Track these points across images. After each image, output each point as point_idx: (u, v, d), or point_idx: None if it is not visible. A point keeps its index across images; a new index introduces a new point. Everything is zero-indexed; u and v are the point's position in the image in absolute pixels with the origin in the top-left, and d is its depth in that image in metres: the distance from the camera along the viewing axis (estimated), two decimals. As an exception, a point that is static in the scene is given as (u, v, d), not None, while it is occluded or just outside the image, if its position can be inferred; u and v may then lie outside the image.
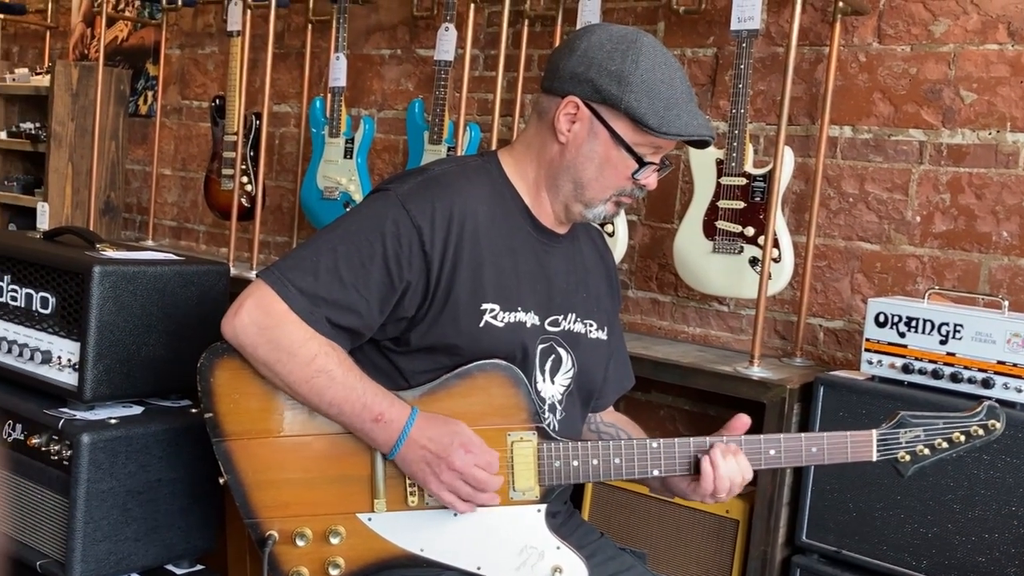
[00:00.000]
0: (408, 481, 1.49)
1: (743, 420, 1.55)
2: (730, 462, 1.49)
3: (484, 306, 1.50)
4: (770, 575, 2.16)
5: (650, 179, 1.55)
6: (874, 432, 1.54)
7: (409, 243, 1.46)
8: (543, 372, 1.57)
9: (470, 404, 1.50)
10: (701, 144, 1.58)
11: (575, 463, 1.50)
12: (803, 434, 1.55)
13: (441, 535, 1.51)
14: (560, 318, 1.60)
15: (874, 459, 1.55)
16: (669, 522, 2.32)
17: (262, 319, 1.43)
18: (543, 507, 1.51)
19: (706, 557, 2.27)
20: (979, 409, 1.54)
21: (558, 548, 1.51)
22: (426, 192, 1.50)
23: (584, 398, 1.66)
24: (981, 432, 1.53)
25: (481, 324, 1.50)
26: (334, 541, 1.49)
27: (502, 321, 1.52)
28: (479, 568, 1.50)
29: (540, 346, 1.56)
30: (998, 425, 1.53)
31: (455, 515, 1.49)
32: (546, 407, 1.56)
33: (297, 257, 1.47)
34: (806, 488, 2.13)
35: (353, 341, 1.51)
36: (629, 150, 1.50)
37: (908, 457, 1.54)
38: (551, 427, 1.54)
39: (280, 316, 1.43)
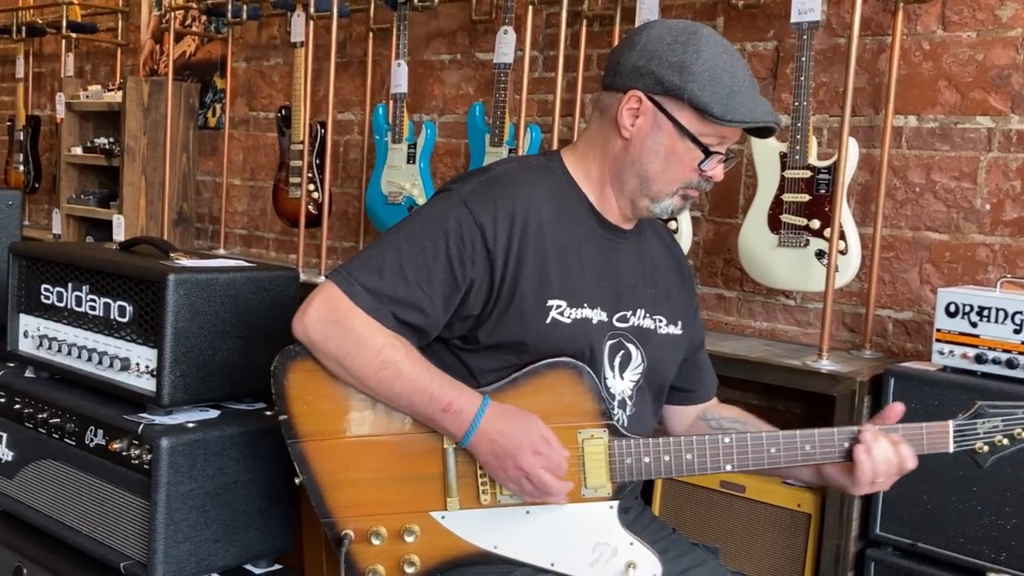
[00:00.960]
0: (480, 480, 1.51)
1: (896, 409, 1.55)
2: (881, 446, 1.49)
3: (550, 303, 1.52)
4: (844, 569, 2.16)
5: (716, 170, 1.55)
6: (951, 423, 1.53)
7: (472, 241, 1.49)
8: (612, 368, 1.58)
9: (539, 402, 1.51)
10: (765, 132, 1.58)
11: (647, 459, 1.51)
12: (877, 427, 1.54)
13: (514, 532, 1.52)
14: (628, 314, 1.61)
15: (951, 451, 1.53)
16: (740, 517, 2.33)
17: (330, 314, 1.47)
18: (615, 504, 1.53)
19: (778, 551, 2.28)
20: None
21: (631, 544, 1.52)
22: (488, 191, 1.53)
23: (655, 393, 1.67)
24: None
25: (548, 320, 1.51)
26: (409, 539, 1.51)
27: (569, 317, 1.53)
28: (552, 564, 1.51)
29: (608, 342, 1.57)
30: None
31: (527, 512, 1.51)
32: (615, 403, 1.57)
33: (363, 258, 1.51)
34: (879, 480, 2.14)
35: (419, 339, 1.53)
36: (695, 140, 1.50)
37: (986, 448, 1.52)
38: (620, 423, 1.55)
39: (347, 311, 1.46)
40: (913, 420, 2.06)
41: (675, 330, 1.67)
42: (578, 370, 1.52)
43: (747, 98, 1.49)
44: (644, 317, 1.63)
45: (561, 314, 1.52)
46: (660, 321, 1.65)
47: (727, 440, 1.52)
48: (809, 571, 2.22)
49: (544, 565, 1.51)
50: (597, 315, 1.56)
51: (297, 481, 1.55)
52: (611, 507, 1.53)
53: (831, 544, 2.17)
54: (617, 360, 1.59)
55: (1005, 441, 1.52)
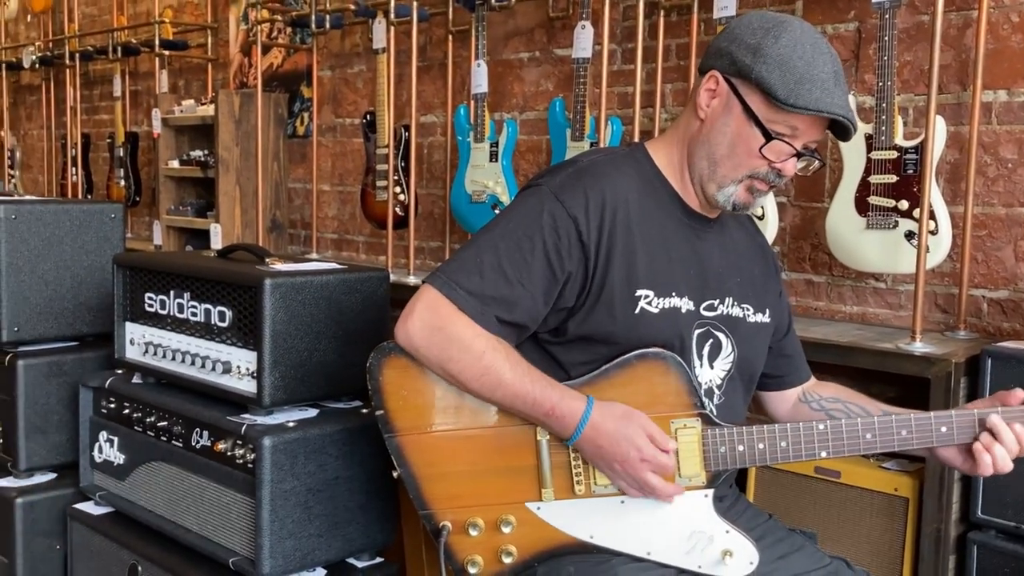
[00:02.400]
0: (574, 470, 1.52)
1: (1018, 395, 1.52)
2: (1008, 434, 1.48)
3: (639, 292, 1.52)
4: (945, 552, 2.13)
5: (787, 164, 1.52)
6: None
7: (568, 234, 1.50)
8: (701, 357, 1.59)
9: (632, 393, 1.52)
10: (841, 131, 1.53)
11: (740, 448, 1.52)
12: (987, 409, 1.52)
13: (610, 522, 1.53)
14: (716, 302, 1.61)
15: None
16: (836, 502, 2.31)
17: (433, 320, 1.48)
18: (710, 492, 1.53)
19: (876, 536, 2.25)
20: None
21: (727, 532, 1.52)
22: (578, 183, 1.54)
23: (746, 382, 1.67)
24: None
25: (636, 311, 1.52)
26: (505, 530, 1.53)
27: (657, 307, 1.53)
28: (648, 554, 1.52)
29: (697, 331, 1.58)
30: None
31: (622, 502, 1.52)
32: (702, 391, 1.57)
33: (461, 259, 1.52)
34: (979, 462, 2.10)
35: (520, 336, 1.55)
36: (759, 123, 1.49)
37: None
38: (709, 412, 1.55)
39: (450, 316, 1.48)
40: (1012, 401, 2.04)
41: (763, 318, 1.67)
42: (668, 360, 1.53)
43: (818, 88, 1.46)
44: (732, 306, 1.63)
45: (649, 304, 1.53)
46: (748, 309, 1.65)
47: (821, 427, 1.51)
48: (909, 556, 2.19)
49: (640, 555, 1.52)
50: (685, 304, 1.57)
51: (395, 475, 1.58)
52: (706, 496, 1.53)
53: (931, 528, 2.14)
54: (706, 349, 1.59)
55: None
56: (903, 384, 2.42)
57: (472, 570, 1.54)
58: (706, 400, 1.57)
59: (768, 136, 1.49)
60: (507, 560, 1.53)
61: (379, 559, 2.06)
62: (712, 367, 1.61)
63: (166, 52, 4.77)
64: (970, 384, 2.12)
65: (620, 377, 1.53)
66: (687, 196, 1.61)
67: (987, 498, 2.09)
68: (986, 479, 2.06)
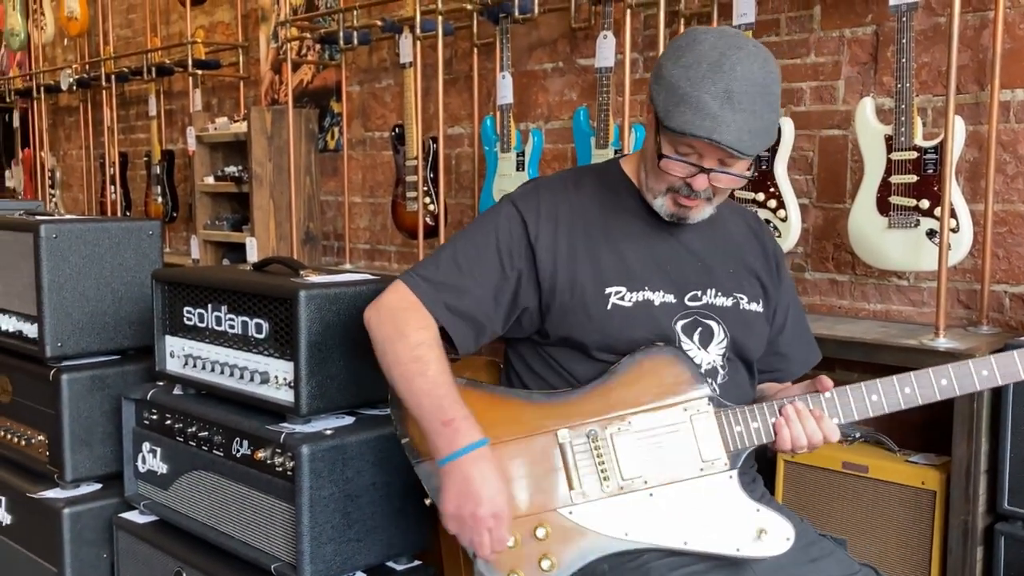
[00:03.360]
0: (600, 469, 1.54)
1: (826, 383, 1.58)
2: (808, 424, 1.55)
3: (608, 290, 1.60)
4: (973, 544, 2.14)
5: (695, 180, 1.53)
6: None
7: (518, 235, 1.62)
8: (693, 342, 1.63)
9: (644, 387, 1.57)
10: (734, 151, 1.48)
11: (755, 424, 1.56)
12: (971, 360, 1.59)
13: (642, 516, 1.53)
14: (699, 293, 1.66)
15: None
16: (863, 497, 2.32)
17: (392, 302, 1.61)
18: (734, 473, 1.55)
19: (904, 529, 2.26)
20: None
21: (758, 511, 1.53)
22: (535, 193, 1.67)
23: (746, 366, 1.71)
24: None
25: (608, 306, 1.59)
26: (541, 537, 1.51)
27: (630, 301, 1.60)
28: (686, 543, 1.52)
29: (680, 321, 1.63)
30: None
31: (651, 495, 1.53)
32: (703, 371, 1.62)
33: (427, 257, 1.67)
34: (1004, 455, 2.10)
35: (475, 332, 1.62)
36: (656, 141, 1.54)
37: None
38: (713, 391, 1.60)
39: (404, 301, 1.60)
40: (1036, 394, 2.05)
41: (757, 307, 1.72)
42: (672, 352, 1.59)
43: (691, 110, 1.45)
44: (717, 295, 1.68)
45: (621, 299, 1.60)
46: (740, 298, 1.70)
47: (828, 395, 1.57)
48: (937, 548, 2.20)
49: (677, 545, 1.52)
50: (660, 297, 1.63)
51: (428, 502, 1.57)
52: (731, 477, 1.55)
53: (958, 520, 2.15)
54: (697, 336, 1.64)
55: None
56: (928, 381, 2.42)
57: None
58: (710, 380, 1.62)
59: (660, 155, 1.54)
60: (546, 565, 1.51)
61: (417, 562, 2.08)
62: (708, 351, 1.65)
63: (199, 71, 4.86)
64: (994, 379, 2.13)
65: (630, 374, 1.59)
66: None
67: (1013, 489, 2.10)
68: (1012, 470, 2.08)
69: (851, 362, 2.52)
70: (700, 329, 1.65)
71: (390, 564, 2.05)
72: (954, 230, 2.29)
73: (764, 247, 1.80)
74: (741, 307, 1.70)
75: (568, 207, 1.65)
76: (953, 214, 2.28)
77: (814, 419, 1.55)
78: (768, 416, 1.57)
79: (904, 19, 2.32)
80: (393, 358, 1.58)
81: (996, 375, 1.56)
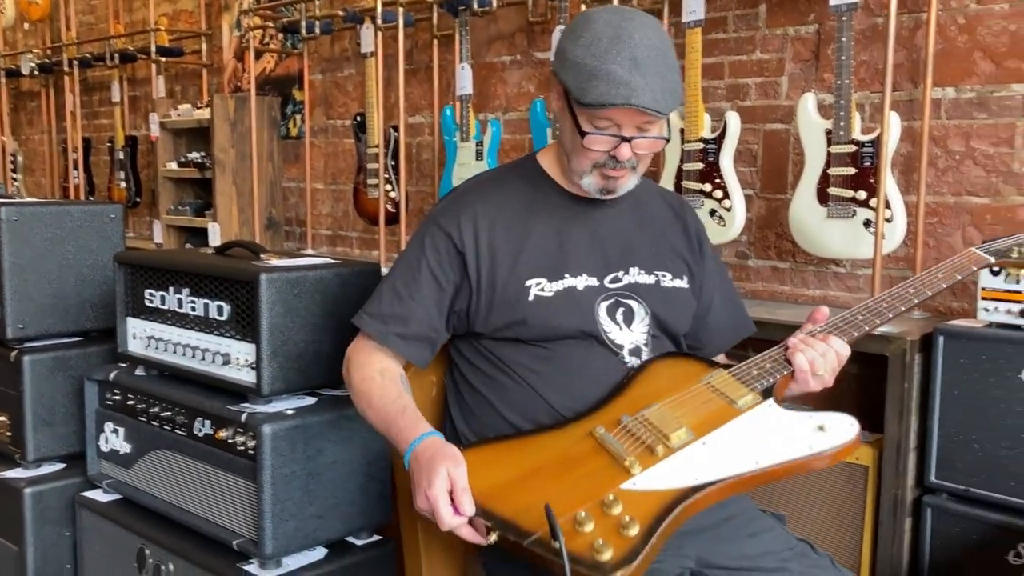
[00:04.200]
0: (645, 443, 1.47)
1: (822, 311, 1.62)
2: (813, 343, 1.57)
3: (528, 283, 1.63)
4: (902, 516, 2.20)
5: (619, 150, 1.55)
6: (973, 248, 1.70)
7: (446, 249, 1.66)
8: (616, 323, 1.65)
9: (660, 386, 1.58)
10: (652, 111, 1.50)
11: (768, 364, 1.58)
12: (920, 272, 1.70)
13: (704, 462, 1.45)
14: (621, 274, 1.68)
15: (993, 261, 1.69)
16: (803, 475, 2.38)
17: (350, 353, 1.71)
18: (770, 400, 1.54)
19: (840, 503, 2.32)
20: None
21: (811, 417, 1.50)
22: (452, 206, 1.70)
23: (673, 341, 1.74)
24: None
25: (531, 298, 1.62)
26: (616, 511, 1.37)
27: (551, 291, 1.63)
28: (758, 463, 1.45)
29: (603, 303, 1.65)
30: None
31: (704, 443, 1.47)
32: (625, 351, 1.64)
33: (372, 295, 1.72)
34: (932, 432, 2.16)
35: (431, 345, 1.68)
36: (575, 121, 1.56)
37: (1019, 255, 1.70)
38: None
39: (356, 350, 1.69)
40: (963, 376, 2.12)
41: (681, 283, 1.74)
42: (659, 357, 1.66)
43: (604, 82, 1.48)
44: (639, 274, 1.70)
45: (542, 290, 1.63)
46: (663, 276, 1.72)
47: (821, 325, 1.61)
48: (869, 520, 2.26)
49: (751, 467, 1.44)
50: (583, 281, 1.65)
51: (492, 539, 1.38)
52: (769, 404, 1.53)
53: (889, 493, 2.21)
54: (619, 315, 1.66)
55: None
56: (864, 361, 2.49)
57: (605, 555, 1.31)
58: (631, 358, 1.64)
59: (582, 133, 1.56)
60: (632, 532, 1.34)
61: (377, 537, 2.09)
62: (631, 330, 1.67)
63: (162, 59, 4.79)
64: (924, 360, 2.19)
65: (640, 379, 1.62)
66: (572, 187, 1.70)
67: (940, 464, 2.16)
68: (939, 446, 2.15)
69: (791, 345, 2.57)
70: (622, 309, 1.67)
71: (350, 539, 2.06)
72: (889, 220, 2.35)
73: (685, 225, 1.81)
74: (663, 284, 1.72)
75: (487, 209, 1.67)
76: (888, 205, 2.34)
77: (821, 340, 1.58)
78: (776, 354, 1.59)
79: (844, 19, 2.37)
80: (355, 402, 1.67)
81: (949, 275, 1.69)
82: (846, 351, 1.59)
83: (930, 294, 1.67)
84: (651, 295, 1.70)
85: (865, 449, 2.27)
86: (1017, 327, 2.07)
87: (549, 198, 1.70)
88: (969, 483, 2.12)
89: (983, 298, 2.12)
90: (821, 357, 1.55)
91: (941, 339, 2.14)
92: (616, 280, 1.68)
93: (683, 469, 1.44)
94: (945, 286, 1.68)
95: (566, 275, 1.65)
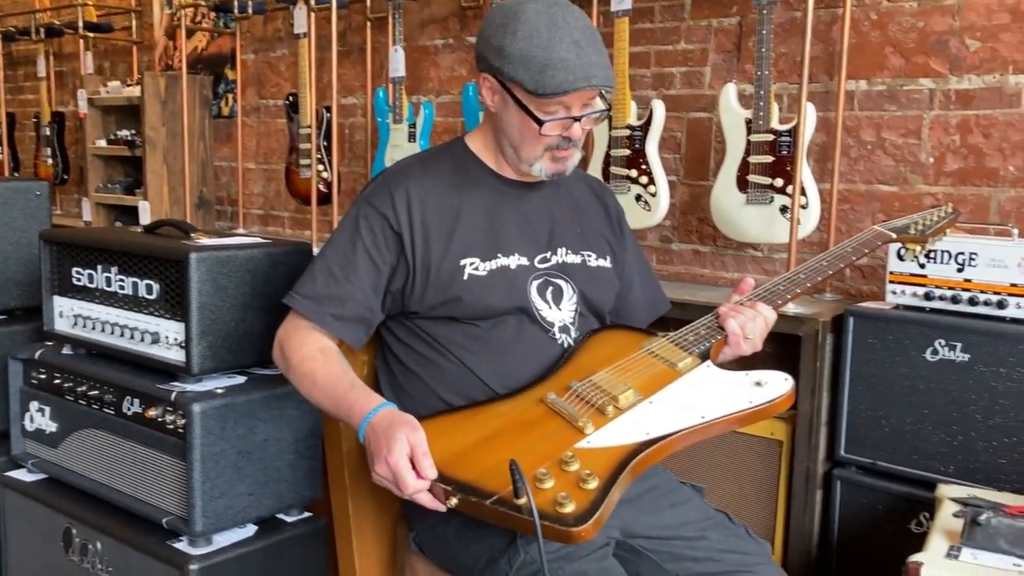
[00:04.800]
0: (595, 405, 1.49)
1: (748, 282, 1.69)
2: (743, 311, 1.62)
3: (463, 262, 1.62)
4: (813, 488, 2.26)
5: (572, 131, 1.58)
6: (877, 225, 1.79)
7: (381, 229, 1.62)
8: (546, 301, 1.66)
9: (603, 353, 1.61)
10: (606, 88, 1.54)
11: (703, 331, 1.62)
12: (832, 248, 1.77)
13: (653, 417, 1.48)
14: (549, 254, 1.69)
15: (894, 237, 1.79)
16: (722, 450, 2.41)
17: (280, 335, 1.66)
18: (708, 363, 1.57)
19: (756, 476, 2.37)
20: (943, 205, 1.90)
21: (747, 374, 1.55)
22: (383, 186, 1.66)
23: (598, 318, 1.75)
24: (949, 210, 1.87)
25: (465, 277, 1.61)
26: (573, 467, 1.39)
27: (484, 270, 1.62)
28: (703, 416, 1.48)
29: (535, 282, 1.66)
30: (952, 207, 1.92)
31: (651, 402, 1.50)
32: (556, 329, 1.65)
33: (302, 276, 1.67)
34: (842, 409, 2.22)
35: (367, 326, 1.64)
36: (529, 112, 1.56)
37: (915, 232, 1.80)
38: (566, 345, 1.65)
39: (289, 331, 1.64)
40: (871, 355, 2.18)
41: (604, 263, 1.76)
42: (603, 328, 1.67)
43: (560, 71, 1.50)
44: (567, 254, 1.71)
45: (476, 269, 1.62)
46: (589, 256, 1.74)
47: (748, 295, 1.66)
48: (783, 492, 2.32)
49: (697, 421, 1.47)
50: (515, 261, 1.65)
51: (453, 502, 1.37)
52: (708, 366, 1.57)
53: (802, 467, 2.26)
54: (549, 294, 1.67)
55: (922, 227, 1.83)
56: (779, 340, 2.53)
57: (568, 508, 1.32)
58: (562, 335, 1.66)
59: (539, 122, 1.57)
60: (592, 485, 1.35)
61: (307, 513, 2.06)
62: (560, 308, 1.68)
63: (90, 34, 4.62)
64: (835, 340, 2.25)
65: (588, 348, 1.64)
66: (504, 171, 1.70)
67: (849, 439, 2.22)
68: (848, 422, 2.21)
69: (711, 325, 2.61)
70: (551, 288, 1.68)
71: (281, 516, 2.03)
72: (804, 207, 2.39)
73: (606, 207, 1.84)
74: (589, 264, 1.73)
75: (418, 189, 1.65)
76: (803, 192, 2.38)
77: (749, 307, 1.62)
78: (709, 321, 1.62)
79: (765, 12, 2.39)
80: (295, 383, 1.62)
81: (859, 250, 1.75)
82: (773, 316, 1.63)
83: (842, 266, 1.73)
84: (578, 274, 1.71)
85: (779, 425, 2.32)
86: (922, 309, 2.13)
87: (480, 180, 1.69)
88: (876, 457, 2.18)
89: (891, 281, 2.17)
90: (751, 322, 1.60)
91: (851, 320, 2.19)
92: (545, 260, 1.69)
93: (634, 426, 1.47)
94: (855, 259, 1.74)
95: (499, 255, 1.65)
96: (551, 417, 1.50)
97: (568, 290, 1.69)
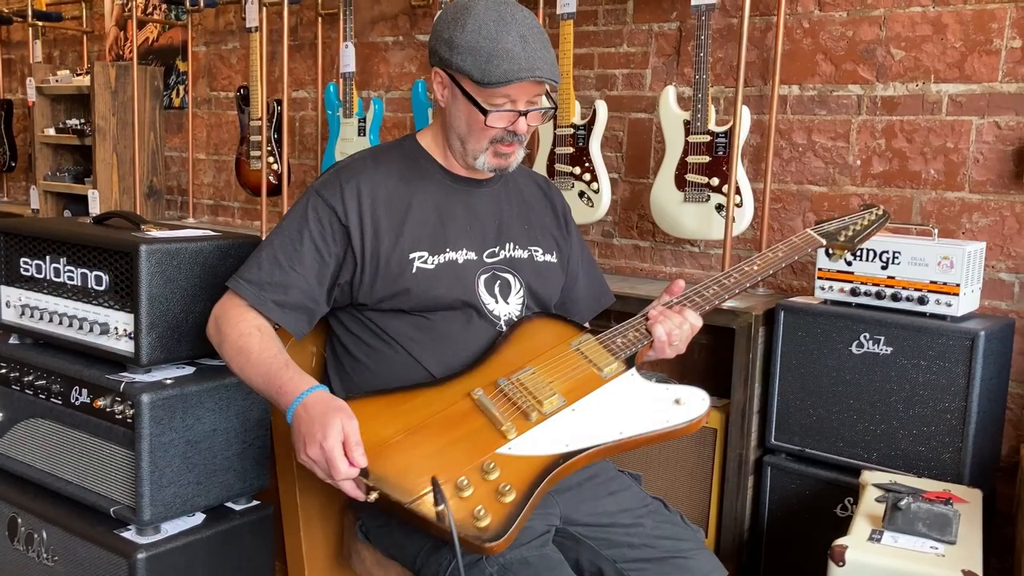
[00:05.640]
0: (520, 407, 1.48)
1: (679, 284, 1.66)
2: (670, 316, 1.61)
3: (412, 255, 1.59)
4: (745, 474, 2.28)
5: (517, 125, 1.57)
6: (809, 229, 1.76)
7: (329, 221, 1.59)
8: (493, 296, 1.65)
9: (529, 345, 1.58)
10: (551, 80, 1.53)
11: (632, 334, 1.59)
12: (765, 250, 1.74)
13: (575, 428, 1.47)
14: (497, 249, 1.67)
15: (824, 243, 1.76)
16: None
17: (217, 312, 1.61)
18: (632, 370, 1.56)
19: (691, 463, 2.39)
20: (872, 206, 1.87)
21: (667, 388, 1.54)
22: (335, 178, 1.63)
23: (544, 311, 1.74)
24: (880, 213, 1.85)
25: (413, 270, 1.59)
26: (493, 475, 1.39)
27: (432, 264, 1.60)
28: (622, 433, 1.48)
29: (483, 276, 1.64)
30: (883, 209, 1.88)
31: (573, 410, 1.49)
32: (503, 322, 1.64)
33: (248, 260, 1.62)
34: (773, 398, 2.24)
35: (309, 316, 1.60)
36: (475, 103, 1.55)
37: (844, 239, 1.78)
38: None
39: (225, 307, 1.60)
40: (801, 347, 2.20)
41: (551, 258, 1.75)
42: (536, 316, 1.63)
43: (505, 61, 1.50)
44: (515, 249, 1.70)
45: (425, 263, 1.60)
46: (536, 251, 1.72)
47: (678, 297, 1.64)
48: (716, 478, 2.33)
49: (615, 437, 1.47)
50: (463, 256, 1.64)
51: (372, 497, 1.36)
52: (632, 374, 1.56)
53: (734, 454, 2.28)
54: (496, 288, 1.65)
55: (850, 233, 1.81)
56: (714, 332, 2.56)
57: (484, 523, 1.33)
58: (507, 328, 1.64)
59: (484, 112, 1.56)
60: (509, 499, 1.35)
61: (255, 502, 2.02)
62: (508, 303, 1.67)
63: (39, 23, 4.47)
64: (767, 333, 2.27)
65: (514, 339, 1.61)
66: (452, 167, 1.68)
67: (779, 427, 2.25)
68: (778, 411, 2.23)
69: (650, 318, 2.61)
70: (499, 283, 1.66)
71: (229, 504, 1.99)
72: (738, 205, 2.40)
73: (553, 204, 1.83)
74: (536, 259, 1.72)
75: (369, 184, 1.62)
76: (738, 191, 2.39)
77: (677, 313, 1.61)
78: (639, 324, 1.61)
79: (703, 18, 2.40)
80: (228, 357, 1.57)
81: (790, 254, 1.73)
82: (699, 323, 1.63)
83: (772, 271, 1.73)
84: (525, 269, 1.70)
85: (714, 413, 2.33)
86: (848, 304, 2.16)
87: (429, 176, 1.67)
88: (804, 444, 2.21)
89: (819, 278, 2.20)
90: (677, 328, 1.59)
91: (782, 314, 2.22)
92: (493, 255, 1.67)
93: (555, 435, 1.46)
94: (784, 264, 1.74)
95: (447, 249, 1.63)
96: (476, 415, 1.48)
97: (515, 284, 1.68)
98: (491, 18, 1.52)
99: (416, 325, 1.60)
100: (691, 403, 1.52)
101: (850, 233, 1.80)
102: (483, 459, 1.40)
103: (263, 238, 2.17)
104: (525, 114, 1.57)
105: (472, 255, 1.65)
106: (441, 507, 1.31)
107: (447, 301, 1.60)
